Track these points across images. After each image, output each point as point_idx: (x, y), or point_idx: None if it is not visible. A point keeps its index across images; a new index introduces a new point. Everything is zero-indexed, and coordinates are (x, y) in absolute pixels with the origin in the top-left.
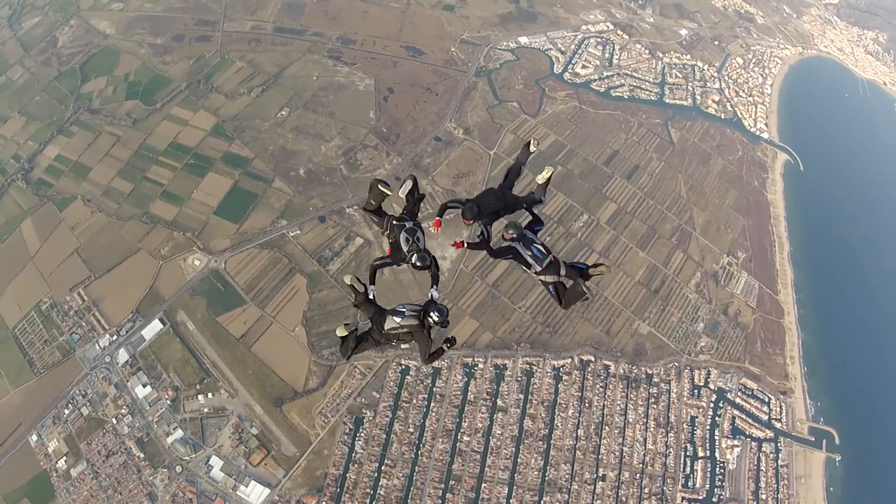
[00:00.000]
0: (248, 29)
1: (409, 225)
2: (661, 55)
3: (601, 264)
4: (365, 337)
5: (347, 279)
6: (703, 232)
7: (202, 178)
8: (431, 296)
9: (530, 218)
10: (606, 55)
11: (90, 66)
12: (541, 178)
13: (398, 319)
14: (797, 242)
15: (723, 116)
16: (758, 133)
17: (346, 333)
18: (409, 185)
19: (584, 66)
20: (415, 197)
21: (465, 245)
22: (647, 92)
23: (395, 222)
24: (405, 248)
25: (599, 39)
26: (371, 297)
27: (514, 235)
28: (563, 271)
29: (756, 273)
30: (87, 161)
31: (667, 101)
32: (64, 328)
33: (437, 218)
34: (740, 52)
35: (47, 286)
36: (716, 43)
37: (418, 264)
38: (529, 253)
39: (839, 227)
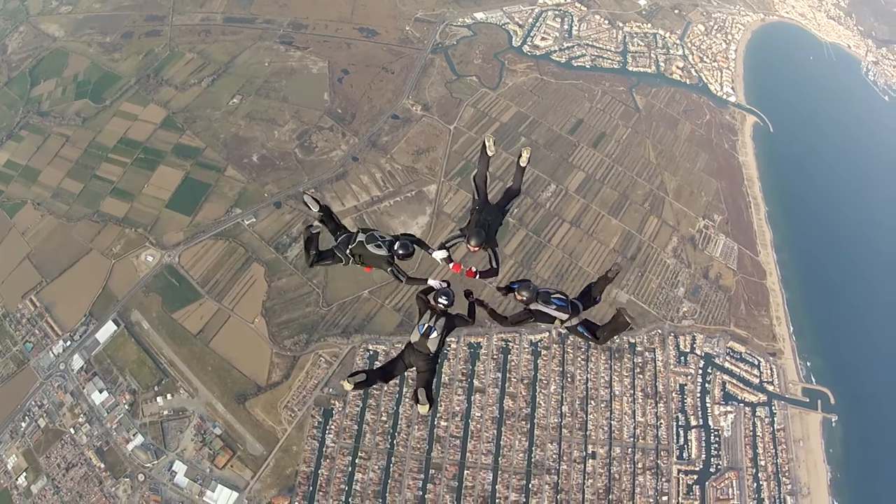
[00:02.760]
0: (198, 21)
1: (362, 236)
2: (620, 25)
3: (615, 264)
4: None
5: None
6: (676, 196)
7: (153, 171)
8: (434, 256)
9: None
10: (565, 27)
11: (39, 70)
12: (523, 162)
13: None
14: (773, 203)
15: (688, 82)
16: (725, 97)
17: (351, 387)
18: (308, 200)
19: (543, 39)
20: (326, 211)
21: (477, 275)
22: (609, 61)
23: (349, 248)
24: (384, 252)
25: (557, 12)
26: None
27: (528, 297)
28: (581, 309)
29: (734, 235)
30: (36, 164)
31: (630, 69)
32: (17, 338)
33: (455, 263)
34: (701, 19)
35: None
36: (676, 12)
37: (402, 253)
38: (553, 306)
39: (814, 186)
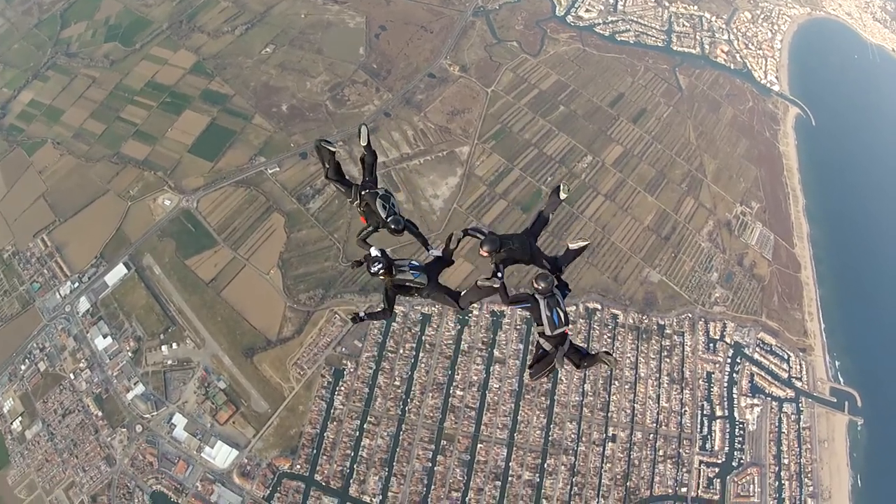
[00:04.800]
0: None
1: (381, 192)
2: (667, 4)
3: (609, 354)
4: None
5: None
6: (715, 179)
7: (178, 116)
8: (432, 254)
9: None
10: (611, 1)
11: (70, 12)
12: (574, 245)
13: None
14: (812, 196)
15: (732, 66)
16: (768, 85)
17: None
18: (364, 132)
19: (587, 10)
20: (370, 152)
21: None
22: (653, 38)
23: (363, 192)
24: (383, 214)
25: None
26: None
27: (544, 289)
28: (566, 346)
29: (771, 224)
30: (60, 104)
31: (674, 48)
32: (25, 277)
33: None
34: (748, 6)
35: (11, 233)
36: None
37: (393, 227)
38: (548, 314)
39: (854, 184)
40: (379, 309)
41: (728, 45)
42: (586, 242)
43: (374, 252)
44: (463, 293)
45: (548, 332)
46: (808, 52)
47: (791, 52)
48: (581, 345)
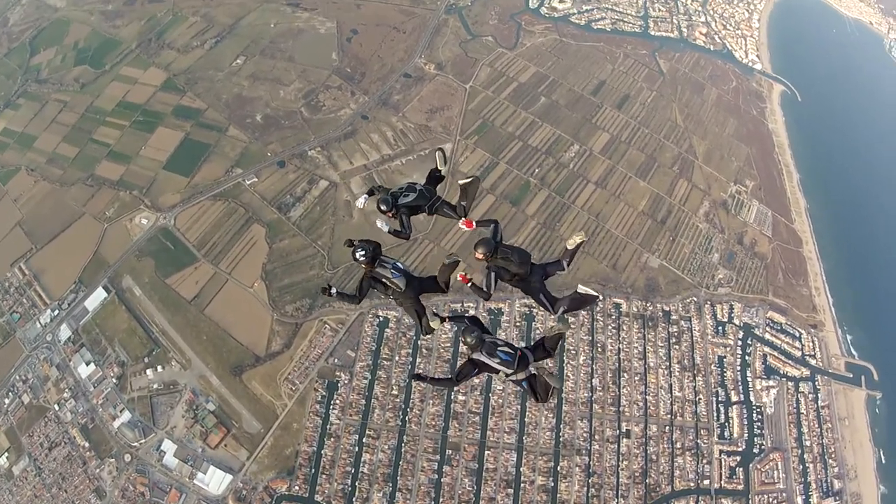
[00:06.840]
0: None
1: (422, 185)
2: None
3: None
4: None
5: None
6: (706, 160)
7: (151, 133)
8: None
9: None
10: None
11: (40, 39)
12: (583, 289)
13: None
14: (805, 171)
15: (712, 48)
16: (750, 64)
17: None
18: (440, 157)
19: (561, 1)
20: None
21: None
22: (630, 24)
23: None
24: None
25: None
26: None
27: (472, 343)
28: (531, 359)
29: (767, 201)
30: (32, 131)
31: (652, 33)
32: (4, 308)
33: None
34: None
35: None
36: None
37: (382, 207)
38: (497, 360)
39: (845, 155)
40: (349, 293)
41: (706, 27)
42: (597, 295)
43: (380, 224)
44: (427, 316)
45: (509, 372)
46: (787, 30)
47: (770, 31)
48: (536, 340)
